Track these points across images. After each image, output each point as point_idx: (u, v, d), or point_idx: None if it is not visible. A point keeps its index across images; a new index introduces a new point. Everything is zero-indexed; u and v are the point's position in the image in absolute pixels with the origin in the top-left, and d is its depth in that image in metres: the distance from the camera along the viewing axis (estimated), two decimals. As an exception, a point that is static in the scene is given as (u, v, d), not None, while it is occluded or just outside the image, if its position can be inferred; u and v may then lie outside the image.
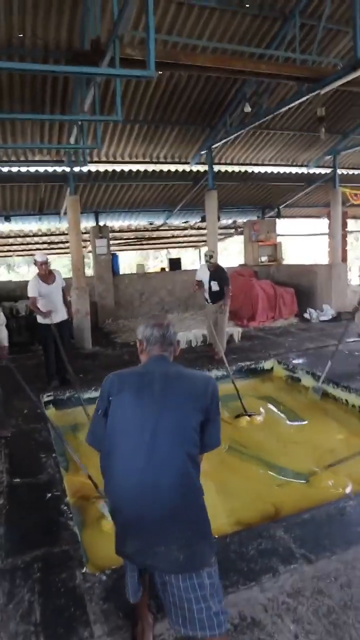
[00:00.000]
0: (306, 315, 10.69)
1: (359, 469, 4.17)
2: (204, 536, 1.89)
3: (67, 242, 13.81)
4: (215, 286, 7.48)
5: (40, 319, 6.24)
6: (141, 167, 10.25)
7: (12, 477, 3.97)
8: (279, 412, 5.84)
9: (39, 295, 6.12)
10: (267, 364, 7.46)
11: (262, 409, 5.81)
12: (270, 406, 6.02)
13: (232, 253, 22.86)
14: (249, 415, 5.56)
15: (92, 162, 9.47)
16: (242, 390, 6.07)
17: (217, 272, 7.51)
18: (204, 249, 20.61)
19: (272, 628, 2.32)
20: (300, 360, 7.21)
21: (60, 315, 6.34)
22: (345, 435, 5.10)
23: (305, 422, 5.51)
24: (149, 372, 2.00)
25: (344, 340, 6.70)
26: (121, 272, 12.64)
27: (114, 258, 11.95)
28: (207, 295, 7.63)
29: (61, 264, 21.89)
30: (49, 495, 3.69)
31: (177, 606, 1.85)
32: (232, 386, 6.01)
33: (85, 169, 9.11)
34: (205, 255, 7.70)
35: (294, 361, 7.20)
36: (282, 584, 2.61)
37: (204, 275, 7.59)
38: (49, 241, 14.46)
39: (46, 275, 6.22)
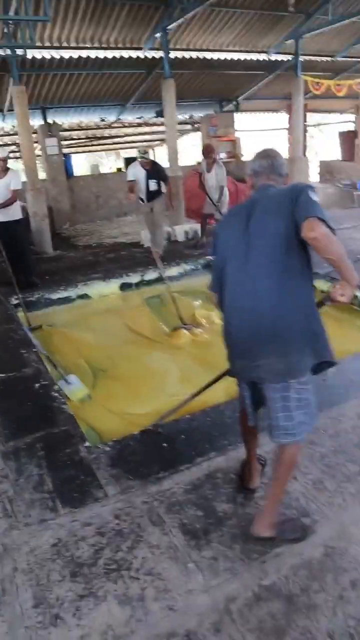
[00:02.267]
0: (268, 213, 10.67)
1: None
2: (302, 351, 1.90)
3: (12, 144, 12.82)
4: (153, 185, 7.10)
5: None
6: (91, 54, 9.32)
7: (-4, 373, 3.96)
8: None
9: None
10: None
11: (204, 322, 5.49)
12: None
13: (184, 151, 21.93)
14: (187, 328, 5.29)
15: (34, 47, 8.50)
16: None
17: (155, 170, 7.11)
18: (160, 149, 19.71)
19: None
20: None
21: (3, 215, 6.01)
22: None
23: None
24: (248, 201, 2.05)
25: None
26: (75, 175, 12.00)
27: (66, 159, 11.26)
28: (143, 195, 7.22)
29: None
30: (37, 385, 3.72)
31: (277, 418, 1.98)
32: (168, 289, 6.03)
33: (31, 54, 8.20)
34: (139, 151, 7.22)
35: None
36: (277, 439, 2.81)
37: (139, 174, 7.12)
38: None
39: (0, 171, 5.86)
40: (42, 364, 4.12)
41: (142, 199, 7.28)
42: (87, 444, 2.91)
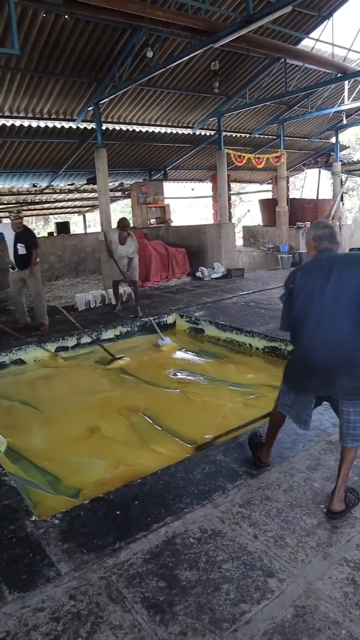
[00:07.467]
0: (198, 274, 11.04)
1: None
2: None
3: None
4: (22, 249, 6.83)
5: None
6: (24, 122, 9.54)
7: None
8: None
9: None
10: (169, 318, 7.64)
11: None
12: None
13: (114, 216, 22.60)
14: (118, 358, 6.00)
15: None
16: (148, 345, 6.68)
17: (24, 234, 6.87)
18: (91, 215, 20.05)
19: (232, 534, 2.47)
20: (201, 313, 7.48)
21: None
22: (254, 374, 5.49)
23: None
24: (319, 259, 2.55)
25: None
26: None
27: (-4, 222, 11.14)
28: (12, 260, 6.91)
29: None
30: (-26, 457, 3.46)
31: (348, 427, 2.49)
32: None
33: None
34: (12, 212, 7.14)
35: (195, 314, 7.44)
36: (233, 497, 2.77)
37: (8, 235, 6.89)
38: None
39: None
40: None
41: (13, 265, 6.91)
42: (33, 517, 2.71)
